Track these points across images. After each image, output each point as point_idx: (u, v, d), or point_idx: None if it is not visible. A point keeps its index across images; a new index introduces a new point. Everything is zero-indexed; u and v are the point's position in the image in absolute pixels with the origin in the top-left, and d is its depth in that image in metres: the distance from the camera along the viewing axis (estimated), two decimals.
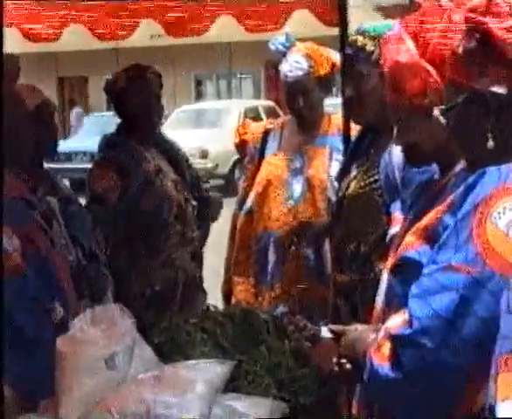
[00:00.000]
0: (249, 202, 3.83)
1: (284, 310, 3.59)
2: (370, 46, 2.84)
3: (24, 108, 2.85)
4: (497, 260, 1.56)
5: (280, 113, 16.63)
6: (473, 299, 1.57)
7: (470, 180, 1.66)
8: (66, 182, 14.26)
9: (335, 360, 1.86)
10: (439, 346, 1.58)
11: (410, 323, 1.62)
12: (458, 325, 1.57)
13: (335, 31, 3.71)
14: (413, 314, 1.62)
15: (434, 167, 2.17)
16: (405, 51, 1.86)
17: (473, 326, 1.56)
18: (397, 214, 2.52)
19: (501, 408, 1.45)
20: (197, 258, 3.94)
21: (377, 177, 2.82)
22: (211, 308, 3.07)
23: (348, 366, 1.83)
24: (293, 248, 3.61)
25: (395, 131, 2.02)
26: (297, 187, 3.74)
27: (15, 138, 2.74)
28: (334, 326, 1.95)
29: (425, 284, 1.63)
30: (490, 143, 1.70)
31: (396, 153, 2.68)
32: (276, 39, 3.77)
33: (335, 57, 3.72)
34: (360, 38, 2.88)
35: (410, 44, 1.85)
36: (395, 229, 2.50)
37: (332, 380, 1.94)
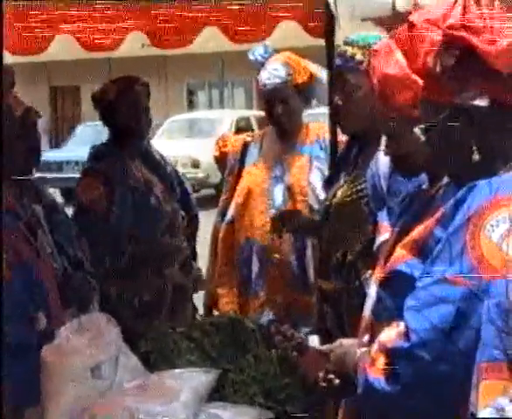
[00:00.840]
0: (230, 213, 3.85)
1: (270, 317, 3.60)
2: (359, 56, 2.86)
3: (11, 117, 2.86)
4: (492, 272, 1.57)
5: None
6: (470, 312, 1.58)
7: (460, 193, 1.67)
8: (57, 192, 14.06)
9: (321, 375, 1.86)
10: (436, 358, 1.59)
11: (406, 336, 1.63)
12: (455, 337, 1.58)
13: (322, 42, 3.73)
14: (410, 327, 1.62)
15: (421, 176, 2.18)
16: (395, 64, 1.87)
17: (470, 338, 1.56)
18: (385, 223, 2.53)
19: (483, 416, 1.47)
20: (186, 269, 3.94)
21: (363, 186, 2.84)
22: (198, 317, 3.07)
23: (336, 381, 1.83)
24: (276, 255, 3.62)
25: (384, 142, 2.03)
26: (278, 195, 3.76)
27: (3, 147, 2.75)
28: (320, 347, 1.96)
29: (421, 296, 1.64)
30: (475, 156, 1.71)
31: (382, 162, 2.69)
32: (255, 50, 3.82)
33: (314, 68, 3.76)
34: (349, 49, 2.90)
35: (399, 56, 1.86)
36: (383, 237, 2.51)
37: (320, 393, 1.94)
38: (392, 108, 1.91)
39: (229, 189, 3.92)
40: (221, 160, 4.03)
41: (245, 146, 3.90)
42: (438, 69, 1.71)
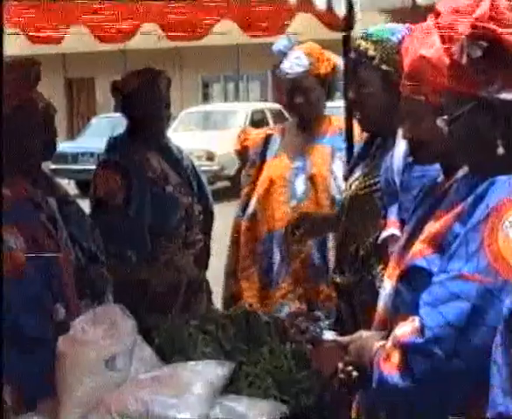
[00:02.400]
0: (252, 207, 3.83)
1: (290, 310, 3.59)
2: (371, 51, 2.83)
3: (34, 111, 2.87)
4: (509, 270, 1.56)
5: (288, 116, 16.61)
6: (485, 309, 1.57)
7: (480, 189, 1.66)
8: (72, 183, 14.09)
9: (340, 366, 1.86)
10: (450, 355, 1.59)
11: (421, 332, 1.62)
12: (469, 334, 1.58)
13: (339, 35, 3.71)
14: (425, 323, 1.62)
15: (434, 172, 2.17)
16: (431, 46, 1.83)
17: (485, 335, 1.56)
18: (392, 218, 2.52)
19: None
20: (201, 261, 3.94)
21: (377, 180, 2.82)
22: (213, 310, 3.08)
23: (354, 373, 1.82)
24: (295, 246, 3.61)
25: (404, 124, 1.99)
26: (300, 186, 3.74)
27: (22, 140, 2.76)
28: (340, 338, 1.95)
29: (437, 292, 1.64)
30: (500, 150, 1.70)
31: (397, 156, 2.68)
32: (279, 41, 3.81)
33: (338, 60, 3.73)
34: (362, 43, 2.88)
35: (437, 39, 1.82)
36: (388, 231, 2.51)
37: (337, 385, 1.93)
38: (419, 91, 1.88)
39: (250, 183, 3.90)
40: (242, 153, 4.01)
41: (267, 139, 3.88)
42: (464, 60, 1.69)
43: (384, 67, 2.79)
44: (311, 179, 3.72)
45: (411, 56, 1.90)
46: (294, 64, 3.69)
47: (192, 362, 2.54)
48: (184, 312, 3.58)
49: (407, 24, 2.80)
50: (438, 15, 1.81)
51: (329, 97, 3.82)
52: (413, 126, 1.96)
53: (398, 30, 2.83)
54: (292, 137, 3.83)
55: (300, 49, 3.75)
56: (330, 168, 3.69)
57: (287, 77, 3.73)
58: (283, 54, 3.77)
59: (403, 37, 2.79)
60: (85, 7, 3.83)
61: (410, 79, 1.91)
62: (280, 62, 3.79)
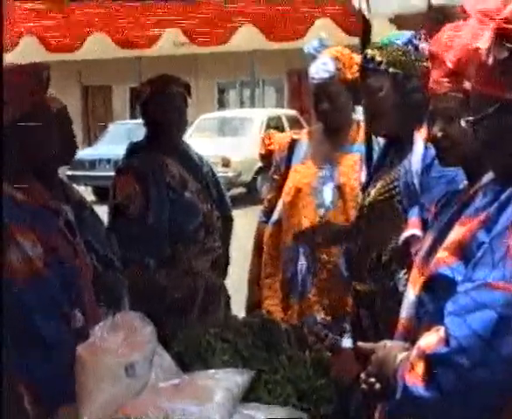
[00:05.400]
0: (277, 213, 3.76)
1: (316, 320, 3.54)
2: (378, 57, 2.85)
3: (49, 116, 2.88)
4: None
5: (304, 122, 16.61)
6: None
7: (504, 196, 1.63)
8: (90, 190, 14.21)
9: (363, 377, 1.83)
10: (476, 365, 1.57)
11: (446, 342, 1.60)
12: (496, 343, 1.56)
13: (357, 41, 3.69)
14: (450, 333, 1.60)
15: (452, 173, 2.15)
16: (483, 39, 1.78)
17: None
18: (413, 218, 2.51)
19: None
20: (219, 267, 3.93)
21: (396, 184, 2.81)
22: (231, 317, 3.06)
23: (377, 385, 1.80)
24: (324, 256, 3.56)
25: (435, 124, 1.95)
26: (327, 194, 3.65)
27: (37, 144, 2.76)
28: (363, 344, 1.92)
29: (462, 301, 1.61)
30: None
31: (415, 159, 2.67)
32: (309, 43, 3.72)
33: None
34: (369, 50, 2.91)
35: (487, 34, 1.77)
36: (409, 232, 2.49)
37: (360, 396, 1.90)
38: (461, 88, 1.84)
39: (275, 188, 3.83)
40: (267, 157, 3.92)
41: (293, 143, 3.80)
42: (490, 61, 1.67)
43: (391, 70, 2.82)
44: (339, 188, 3.63)
45: (457, 50, 1.86)
46: (321, 69, 3.61)
47: (212, 370, 2.52)
48: (202, 318, 3.57)
49: (413, 31, 2.83)
50: (465, 16, 1.79)
51: (358, 102, 3.69)
52: (447, 125, 1.93)
53: (403, 34, 2.87)
54: (319, 143, 3.75)
55: (329, 53, 3.66)
56: (359, 177, 3.60)
57: (313, 82, 3.66)
58: (313, 57, 3.68)
59: (409, 40, 2.82)
60: (102, 13, 3.84)
61: (452, 75, 1.87)
62: (308, 65, 3.72)
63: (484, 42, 1.67)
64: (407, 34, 2.87)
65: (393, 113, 2.82)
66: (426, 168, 2.60)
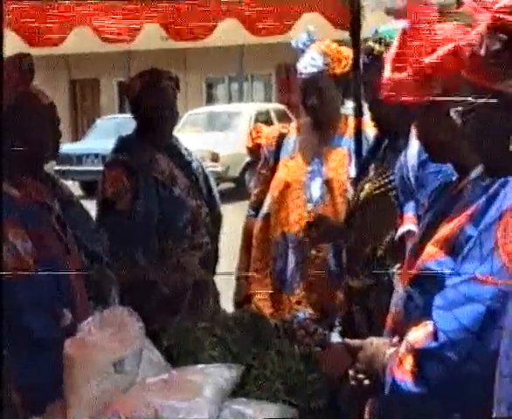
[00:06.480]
0: (265, 207, 3.76)
1: (305, 316, 3.54)
2: (378, 48, 2.83)
3: (37, 110, 2.85)
4: None
5: (292, 116, 16.61)
6: (500, 311, 1.54)
7: (492, 190, 1.63)
8: (77, 185, 14.17)
9: (351, 373, 1.83)
10: (465, 359, 1.57)
11: (435, 336, 1.60)
12: (484, 337, 1.56)
13: (346, 35, 3.68)
14: (439, 327, 1.60)
15: (450, 169, 2.14)
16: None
17: (500, 338, 1.52)
18: (409, 213, 2.50)
19: None
20: (208, 263, 3.92)
21: (392, 178, 2.80)
22: (220, 312, 3.05)
23: (366, 382, 1.79)
24: (313, 252, 3.56)
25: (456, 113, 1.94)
26: (316, 189, 3.65)
27: (25, 136, 2.74)
28: (350, 341, 1.92)
29: (450, 296, 1.61)
30: None
31: (411, 153, 2.67)
32: (298, 37, 3.70)
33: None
34: (376, 46, 2.89)
35: (482, 24, 1.77)
36: (405, 227, 2.49)
37: (348, 390, 1.91)
38: (461, 76, 1.83)
39: (263, 182, 3.82)
40: (254, 151, 3.91)
41: (281, 138, 3.79)
42: (482, 52, 1.66)
43: None
44: (328, 183, 3.63)
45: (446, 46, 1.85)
46: (309, 64, 3.60)
47: (201, 365, 2.51)
48: (191, 313, 3.56)
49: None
50: (460, 4, 1.78)
51: (347, 96, 3.71)
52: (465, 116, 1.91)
53: (402, 24, 2.84)
54: (307, 137, 3.75)
55: (317, 48, 3.65)
56: (347, 171, 3.61)
57: (302, 77, 3.65)
58: (301, 51, 3.67)
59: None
60: (87, 7, 3.81)
61: (448, 63, 1.86)
62: (297, 59, 3.69)
63: (478, 32, 1.66)
64: (406, 24, 2.84)
65: (398, 109, 2.81)
66: (423, 164, 2.59)
